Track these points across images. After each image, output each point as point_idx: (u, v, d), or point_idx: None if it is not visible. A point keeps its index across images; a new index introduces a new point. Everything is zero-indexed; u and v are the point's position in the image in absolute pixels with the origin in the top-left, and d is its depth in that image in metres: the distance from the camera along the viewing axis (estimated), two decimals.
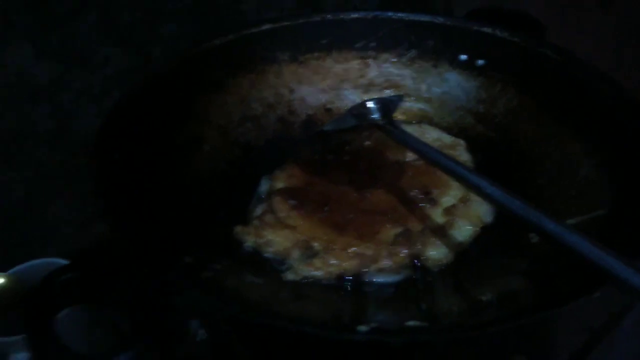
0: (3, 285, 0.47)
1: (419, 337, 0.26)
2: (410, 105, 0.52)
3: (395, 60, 0.53)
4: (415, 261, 0.38)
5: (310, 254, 0.38)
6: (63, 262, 0.48)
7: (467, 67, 0.51)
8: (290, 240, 0.39)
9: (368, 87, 0.53)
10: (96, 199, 0.31)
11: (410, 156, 0.47)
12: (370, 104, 0.44)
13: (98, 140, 0.36)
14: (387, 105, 0.44)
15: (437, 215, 0.41)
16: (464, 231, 0.40)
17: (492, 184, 0.33)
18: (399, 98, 0.48)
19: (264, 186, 0.45)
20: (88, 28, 0.51)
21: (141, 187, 0.37)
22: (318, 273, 0.37)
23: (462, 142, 0.48)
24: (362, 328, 0.25)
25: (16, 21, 0.47)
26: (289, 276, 0.37)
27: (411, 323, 0.27)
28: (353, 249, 0.38)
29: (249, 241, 0.39)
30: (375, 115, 0.44)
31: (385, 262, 0.37)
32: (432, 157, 0.38)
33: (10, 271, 0.48)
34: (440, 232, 0.39)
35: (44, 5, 0.48)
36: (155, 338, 0.29)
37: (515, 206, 0.31)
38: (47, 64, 0.50)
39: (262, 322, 0.25)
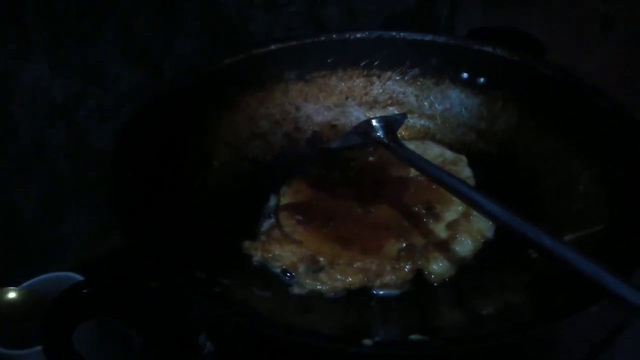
0: (15, 300, 0.47)
1: (420, 351, 0.27)
2: (413, 122, 0.54)
3: (398, 78, 0.54)
4: (418, 276, 0.39)
5: (316, 268, 0.39)
6: (74, 276, 0.49)
7: (469, 85, 0.52)
8: (297, 255, 0.40)
9: (372, 104, 0.54)
10: (112, 215, 0.32)
11: (413, 172, 0.48)
12: (374, 123, 0.45)
13: (113, 158, 0.38)
14: (391, 124, 0.46)
15: (440, 230, 0.42)
16: (466, 246, 0.41)
17: (491, 201, 0.34)
18: (403, 116, 0.49)
19: (271, 202, 0.46)
20: (103, 46, 0.52)
21: (154, 203, 0.38)
22: (323, 287, 0.38)
23: (464, 158, 0.49)
24: (367, 342, 0.26)
25: (34, 39, 0.48)
26: (296, 290, 0.38)
27: (414, 337, 0.28)
28: (358, 263, 0.39)
29: (257, 256, 0.40)
30: (380, 134, 0.45)
31: (389, 277, 0.38)
32: (433, 175, 0.39)
33: (23, 285, 0.48)
34: (443, 247, 0.40)
35: (61, 23, 0.49)
36: (165, 350, 0.30)
37: (514, 223, 0.31)
38: (63, 81, 0.51)
39: (271, 333, 0.26)
